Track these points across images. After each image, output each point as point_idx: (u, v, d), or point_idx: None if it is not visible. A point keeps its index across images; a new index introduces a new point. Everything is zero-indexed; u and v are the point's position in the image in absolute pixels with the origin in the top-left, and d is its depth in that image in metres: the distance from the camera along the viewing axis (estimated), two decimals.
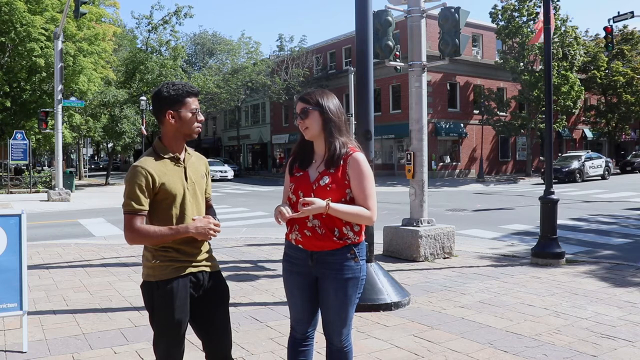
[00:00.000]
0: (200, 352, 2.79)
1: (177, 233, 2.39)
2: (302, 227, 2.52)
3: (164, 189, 2.41)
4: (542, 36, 7.75)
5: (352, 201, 2.52)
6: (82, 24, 23.14)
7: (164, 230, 2.38)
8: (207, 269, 2.56)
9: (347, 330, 2.60)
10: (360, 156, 2.52)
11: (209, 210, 2.68)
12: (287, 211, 2.44)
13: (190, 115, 2.47)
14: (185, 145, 2.57)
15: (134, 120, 29.51)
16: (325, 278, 2.53)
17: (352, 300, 2.55)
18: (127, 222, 2.37)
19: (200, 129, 2.54)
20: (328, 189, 2.47)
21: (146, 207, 2.39)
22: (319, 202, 2.39)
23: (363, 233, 2.59)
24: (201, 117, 2.52)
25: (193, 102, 2.48)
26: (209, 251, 2.61)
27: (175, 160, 2.49)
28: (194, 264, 2.50)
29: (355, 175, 2.49)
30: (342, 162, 2.51)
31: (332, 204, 2.41)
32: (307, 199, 2.41)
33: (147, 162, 2.42)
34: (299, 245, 2.55)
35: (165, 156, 2.47)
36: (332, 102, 2.58)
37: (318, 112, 2.53)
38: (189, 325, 2.55)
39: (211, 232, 2.43)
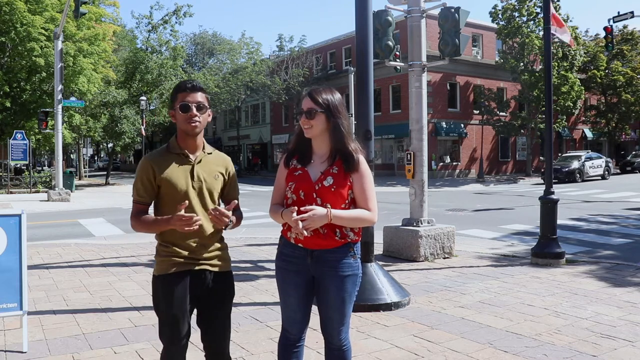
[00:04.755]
0: (200, 352, 2.79)
1: (156, 222, 2.45)
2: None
3: (166, 183, 2.46)
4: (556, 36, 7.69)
5: (352, 202, 2.54)
6: (81, 23, 23.14)
7: (149, 219, 2.49)
8: (212, 269, 2.56)
9: (345, 328, 2.61)
10: (362, 158, 2.55)
11: (235, 212, 2.59)
12: (295, 214, 2.39)
13: (179, 110, 2.46)
14: (203, 143, 2.58)
15: (133, 121, 29.52)
16: (325, 276, 2.53)
17: (351, 297, 2.57)
18: (132, 209, 2.54)
19: (195, 124, 2.47)
20: (332, 190, 2.47)
21: (146, 198, 2.50)
22: (319, 211, 2.37)
23: (361, 232, 2.62)
24: (192, 112, 2.45)
25: (183, 97, 2.46)
26: (219, 250, 2.59)
27: (184, 157, 2.51)
28: (196, 261, 2.51)
29: (358, 177, 2.52)
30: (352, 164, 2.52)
31: (334, 212, 2.41)
32: (306, 207, 2.38)
33: (153, 155, 2.53)
34: (299, 244, 2.53)
35: (174, 152, 2.52)
36: (343, 110, 2.56)
37: (325, 116, 2.51)
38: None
39: (183, 224, 2.34)
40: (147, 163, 2.48)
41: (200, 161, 2.55)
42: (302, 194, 2.50)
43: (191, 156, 2.53)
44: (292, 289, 2.58)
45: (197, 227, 2.38)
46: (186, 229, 2.36)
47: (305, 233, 2.37)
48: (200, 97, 2.49)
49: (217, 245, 2.59)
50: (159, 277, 2.51)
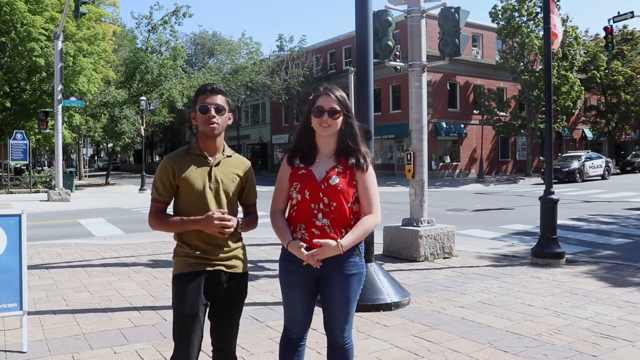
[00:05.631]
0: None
1: (182, 222, 2.50)
2: (309, 226, 2.51)
3: (184, 183, 2.51)
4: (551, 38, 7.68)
5: (357, 200, 2.56)
6: (81, 23, 23.14)
7: (171, 218, 2.53)
8: (227, 270, 2.58)
9: (349, 326, 2.62)
10: (369, 162, 2.60)
11: (250, 216, 2.71)
12: (304, 250, 2.45)
13: (199, 112, 2.54)
14: (224, 146, 2.63)
15: (133, 121, 29.51)
16: (330, 275, 2.54)
17: (356, 295, 2.60)
18: (150, 207, 2.60)
19: (213, 126, 2.53)
20: (339, 188, 2.49)
21: (165, 197, 2.56)
22: (330, 244, 2.41)
23: None
24: (211, 113, 2.52)
25: (203, 99, 2.54)
26: (234, 251, 2.62)
27: (202, 159, 2.57)
28: (211, 262, 2.54)
29: (363, 177, 2.54)
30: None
31: (344, 243, 2.43)
32: (318, 240, 2.42)
33: (173, 155, 2.60)
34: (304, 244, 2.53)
35: (194, 153, 2.58)
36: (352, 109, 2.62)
37: (344, 117, 2.55)
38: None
39: (217, 226, 2.44)
40: (167, 163, 2.55)
41: (219, 163, 2.59)
42: (308, 194, 2.51)
43: (210, 158, 2.58)
44: (296, 289, 2.59)
45: (229, 233, 2.48)
46: (218, 232, 2.45)
47: (318, 265, 2.43)
48: (219, 99, 2.55)
49: (233, 246, 2.61)
50: (175, 277, 2.57)
